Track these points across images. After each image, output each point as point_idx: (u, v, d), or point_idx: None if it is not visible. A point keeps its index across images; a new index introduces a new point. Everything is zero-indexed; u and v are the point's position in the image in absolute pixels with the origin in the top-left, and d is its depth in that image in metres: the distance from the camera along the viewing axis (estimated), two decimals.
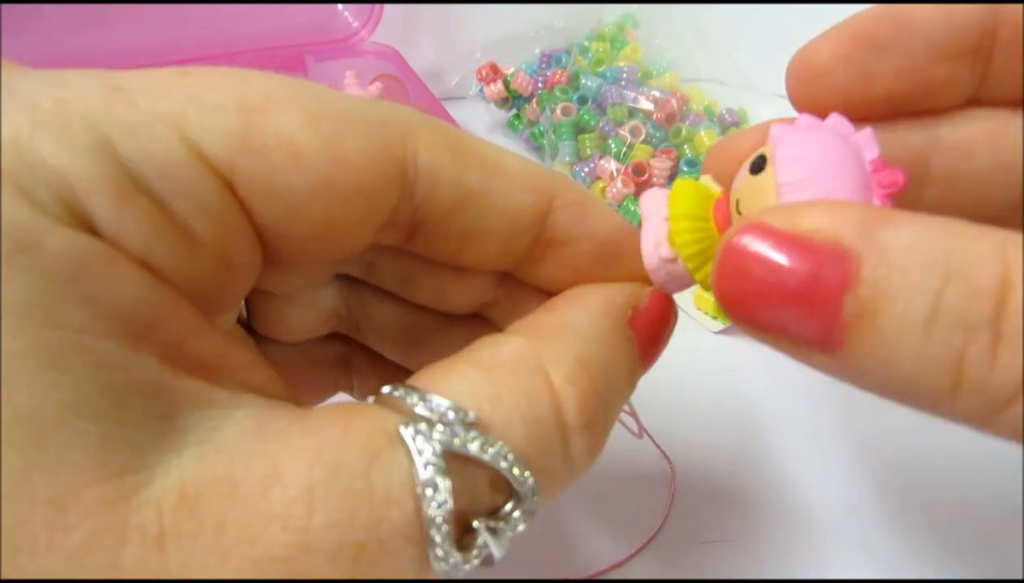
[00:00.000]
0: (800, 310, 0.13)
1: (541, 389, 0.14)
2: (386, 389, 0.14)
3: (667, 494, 0.28)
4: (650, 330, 0.17)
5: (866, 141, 0.15)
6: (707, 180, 0.18)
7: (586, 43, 0.49)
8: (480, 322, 0.20)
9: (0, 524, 0.10)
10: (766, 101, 0.49)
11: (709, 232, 0.16)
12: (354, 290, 0.20)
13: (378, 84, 0.44)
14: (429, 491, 0.12)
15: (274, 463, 0.12)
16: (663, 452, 0.29)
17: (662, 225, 0.16)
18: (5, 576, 0.10)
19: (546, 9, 0.50)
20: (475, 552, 0.13)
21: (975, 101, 0.18)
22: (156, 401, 0.12)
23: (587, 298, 0.17)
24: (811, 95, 0.17)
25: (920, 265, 0.12)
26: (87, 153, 0.12)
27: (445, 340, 0.20)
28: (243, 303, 0.19)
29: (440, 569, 0.13)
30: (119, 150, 0.12)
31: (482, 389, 0.14)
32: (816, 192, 0.14)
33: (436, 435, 0.13)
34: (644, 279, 0.17)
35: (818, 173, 0.14)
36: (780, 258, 0.13)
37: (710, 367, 0.34)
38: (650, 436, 0.29)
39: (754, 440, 0.31)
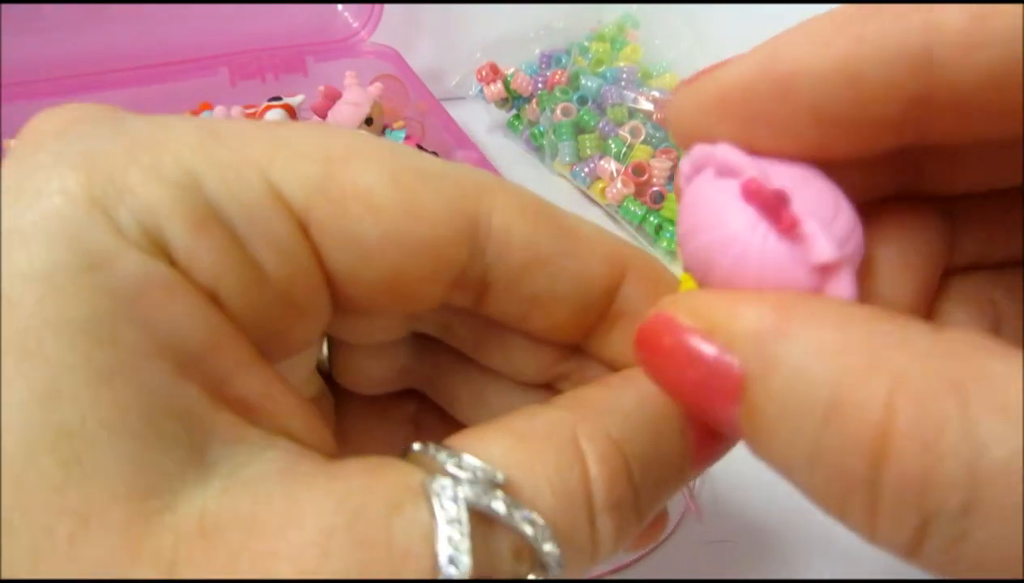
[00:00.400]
0: (698, 406, 0.13)
1: (573, 462, 0.14)
2: (417, 446, 0.14)
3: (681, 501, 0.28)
4: (708, 429, 0.16)
5: (743, 166, 0.13)
6: None
7: (586, 43, 0.49)
8: (551, 394, 0.20)
9: (24, 528, 0.10)
10: None
11: None
12: (429, 349, 0.20)
13: (378, 84, 0.44)
14: (449, 550, 0.12)
15: (296, 505, 0.12)
16: None
17: None
18: (22, 578, 0.10)
19: (546, 9, 0.50)
20: None
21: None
22: (191, 430, 0.12)
23: (642, 379, 0.16)
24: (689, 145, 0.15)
25: (800, 400, 0.11)
26: (173, 186, 0.13)
27: (513, 408, 0.20)
28: (326, 353, 0.20)
29: None
30: (204, 185, 0.13)
31: (514, 455, 0.14)
32: (699, 242, 0.14)
33: (462, 492, 0.12)
34: None
35: (700, 222, 0.14)
36: (679, 354, 0.13)
37: None
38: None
39: None
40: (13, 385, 0.11)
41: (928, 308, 0.16)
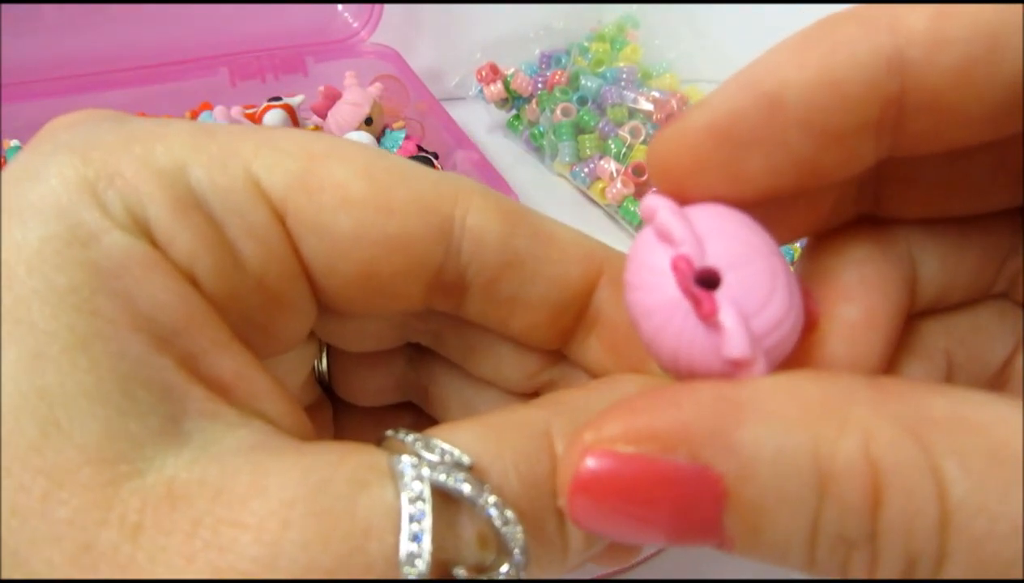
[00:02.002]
0: (676, 529, 0.12)
1: (542, 453, 0.14)
2: (390, 432, 0.14)
3: None
4: None
5: (677, 235, 0.13)
6: None
7: (586, 43, 0.49)
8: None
9: (4, 486, 0.11)
10: None
11: None
12: (424, 361, 0.21)
13: (378, 84, 0.44)
14: (412, 526, 0.12)
15: (261, 476, 0.12)
16: None
17: None
18: None
19: (546, 9, 0.50)
20: None
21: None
22: (165, 401, 0.12)
23: (618, 382, 0.16)
24: (673, 192, 0.14)
25: (791, 480, 0.11)
26: (160, 173, 0.14)
27: None
28: (326, 366, 0.20)
29: None
30: (189, 173, 0.14)
31: (483, 443, 0.14)
32: (631, 298, 0.13)
33: (428, 472, 0.13)
34: None
35: (633, 279, 0.13)
36: (640, 487, 0.12)
37: None
38: None
39: None
40: (4, 350, 0.11)
41: (888, 364, 0.16)
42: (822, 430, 0.11)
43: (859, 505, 0.11)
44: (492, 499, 0.13)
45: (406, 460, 0.13)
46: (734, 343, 0.12)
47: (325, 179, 0.15)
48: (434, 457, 0.13)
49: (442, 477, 0.13)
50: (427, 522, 0.12)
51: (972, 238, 0.16)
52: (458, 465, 0.13)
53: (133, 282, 0.13)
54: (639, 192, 0.41)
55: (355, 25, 0.50)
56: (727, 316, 0.12)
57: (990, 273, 0.16)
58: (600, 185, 0.42)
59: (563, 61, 0.48)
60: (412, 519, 0.12)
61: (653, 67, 0.48)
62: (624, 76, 0.45)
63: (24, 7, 0.43)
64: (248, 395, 0.14)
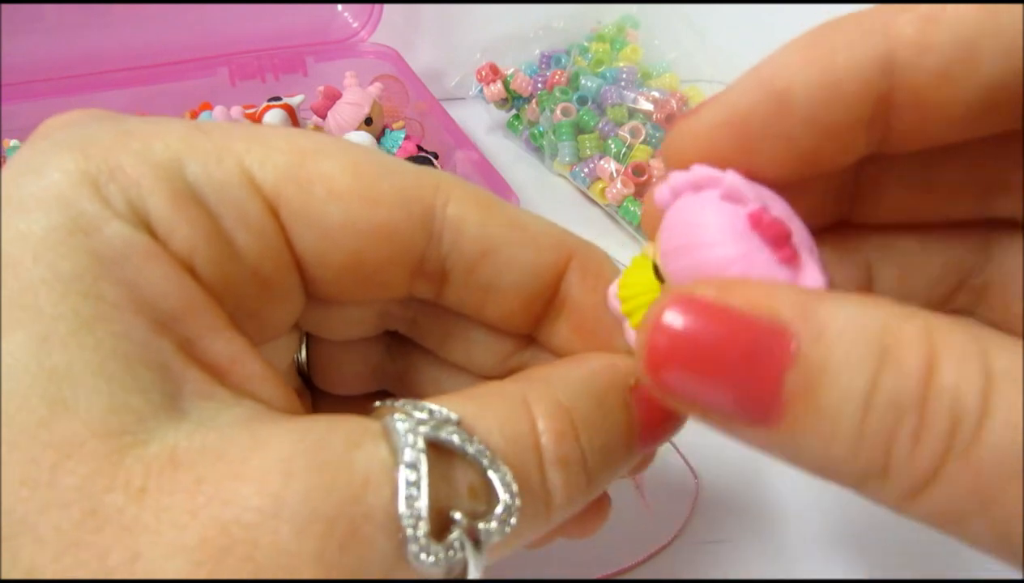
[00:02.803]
0: (738, 387, 0.12)
1: (521, 415, 0.15)
2: (377, 403, 0.15)
3: (686, 503, 0.28)
4: (654, 403, 0.16)
5: (748, 195, 0.14)
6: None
7: (586, 44, 0.49)
8: None
9: (13, 458, 0.11)
10: None
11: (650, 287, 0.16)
12: (400, 349, 0.21)
13: (378, 84, 0.44)
14: (410, 474, 0.13)
15: (259, 439, 0.12)
16: (691, 467, 0.29)
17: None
18: (7, 503, 0.11)
19: (546, 9, 0.50)
20: (452, 553, 0.13)
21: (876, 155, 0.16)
22: (165, 380, 0.13)
23: (588, 359, 0.18)
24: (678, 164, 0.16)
25: (857, 345, 0.12)
26: (158, 167, 0.14)
27: None
28: (304, 355, 0.21)
29: (418, 564, 0.12)
30: (186, 168, 0.15)
31: (466, 407, 0.15)
32: (697, 258, 0.14)
33: (421, 427, 0.13)
34: None
35: (700, 241, 0.14)
36: (716, 333, 0.12)
37: None
38: (679, 451, 0.29)
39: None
40: (13, 333, 0.12)
41: None
42: (891, 312, 0.12)
43: (916, 371, 0.12)
44: (481, 448, 0.14)
45: (398, 417, 0.13)
46: (814, 276, 0.14)
47: (315, 173, 0.16)
48: (423, 416, 0.14)
49: (433, 430, 0.13)
50: (423, 469, 0.13)
51: (933, 253, 0.17)
52: (447, 420, 0.14)
53: (134, 270, 0.13)
54: (639, 192, 0.41)
55: (355, 25, 0.50)
56: (804, 255, 0.14)
57: (948, 288, 0.18)
58: (600, 185, 0.42)
59: (563, 61, 0.48)
60: (408, 466, 0.13)
61: (653, 67, 0.48)
62: (624, 76, 0.45)
63: (24, 7, 0.43)
64: (243, 378, 0.14)
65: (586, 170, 0.43)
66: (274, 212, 0.16)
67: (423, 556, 0.12)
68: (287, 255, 0.16)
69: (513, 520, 0.14)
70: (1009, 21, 0.13)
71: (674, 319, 0.13)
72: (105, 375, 0.12)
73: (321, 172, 0.16)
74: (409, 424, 0.13)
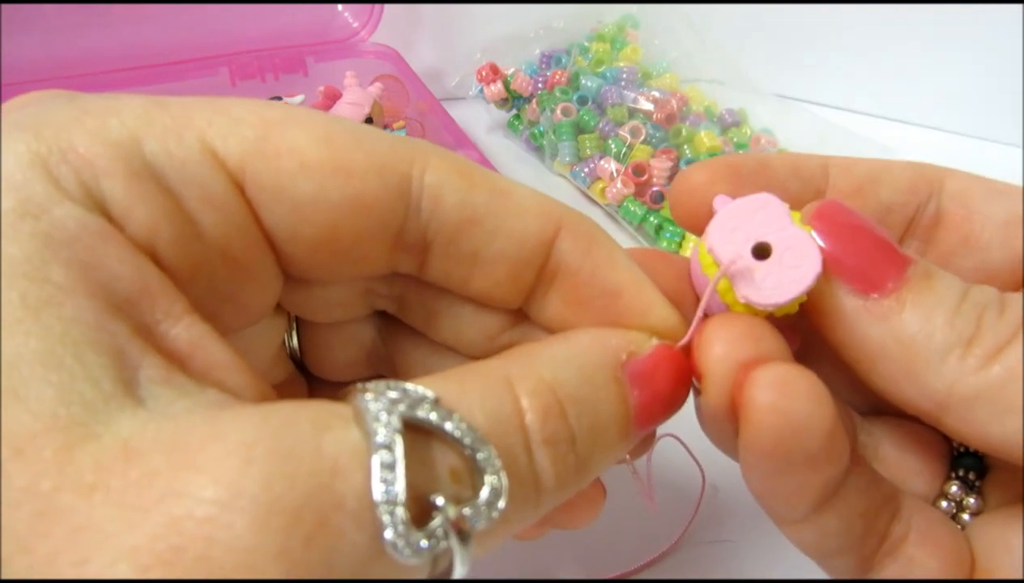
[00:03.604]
0: (873, 259, 0.17)
1: (504, 394, 0.14)
2: (358, 385, 0.14)
3: (692, 502, 0.28)
4: (650, 381, 0.16)
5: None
6: None
7: (586, 43, 0.49)
8: None
9: None
10: (766, 101, 0.49)
11: None
12: (390, 330, 0.21)
13: (378, 84, 0.44)
14: (385, 456, 0.12)
15: (218, 426, 0.12)
16: (699, 464, 0.29)
17: (806, 231, 0.17)
18: None
19: (546, 9, 0.50)
20: (434, 542, 0.12)
21: None
22: (119, 366, 0.12)
23: (577, 334, 0.17)
24: (689, 206, 0.19)
25: (953, 277, 0.17)
26: (113, 145, 0.14)
27: None
28: (296, 343, 0.21)
29: (397, 555, 0.12)
30: (143, 145, 0.14)
31: (446, 385, 0.14)
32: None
33: (395, 406, 0.12)
34: (653, 331, 0.17)
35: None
36: (865, 223, 0.17)
37: None
38: (686, 447, 0.29)
39: None
40: None
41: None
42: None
43: (995, 292, 0.17)
44: (463, 425, 0.13)
45: (370, 397, 0.12)
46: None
47: (282, 145, 0.15)
48: (397, 395, 0.13)
49: (408, 409, 0.12)
50: (399, 450, 0.12)
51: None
52: (423, 398, 0.13)
53: (86, 252, 0.13)
54: (639, 192, 0.41)
55: (355, 25, 0.50)
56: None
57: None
58: (600, 185, 0.42)
59: (563, 61, 0.48)
60: (382, 448, 0.12)
61: (653, 67, 0.48)
62: (624, 76, 0.45)
63: (24, 7, 0.43)
64: (206, 366, 0.14)
65: (586, 170, 0.43)
66: (240, 188, 0.15)
67: (402, 545, 0.11)
68: (257, 233, 0.15)
69: (501, 503, 0.13)
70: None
71: (836, 206, 0.17)
72: (54, 363, 0.11)
73: (289, 144, 0.15)
74: (382, 403, 0.12)
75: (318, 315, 0.19)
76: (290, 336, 0.20)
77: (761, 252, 0.17)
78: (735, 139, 0.45)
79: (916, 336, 0.16)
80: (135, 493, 0.11)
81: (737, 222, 0.17)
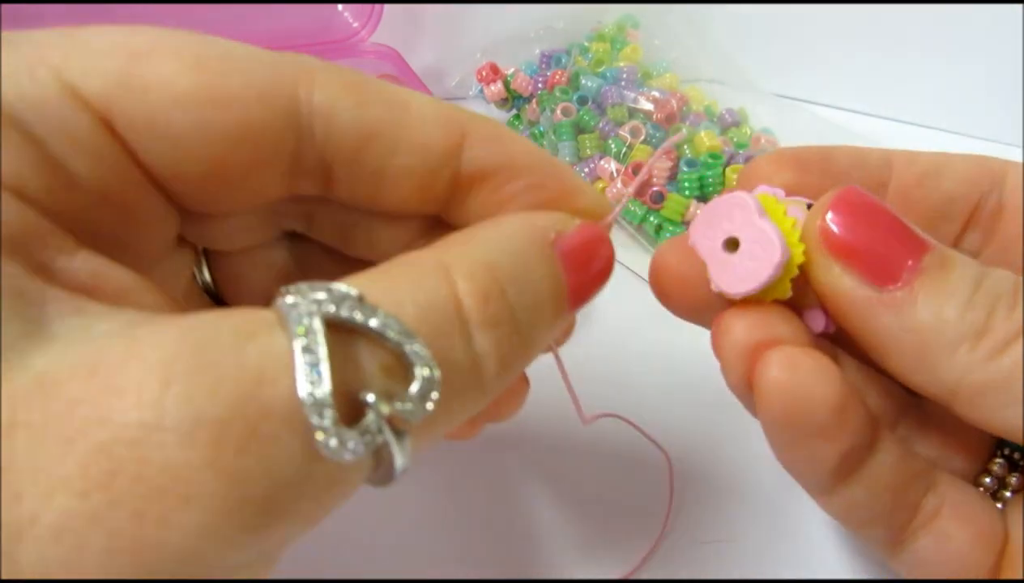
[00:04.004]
0: (886, 251, 0.17)
1: (438, 282, 0.14)
2: (282, 288, 0.13)
3: (666, 493, 0.28)
4: (578, 257, 0.17)
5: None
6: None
7: (586, 43, 0.49)
8: None
9: None
10: (766, 101, 0.49)
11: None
12: (303, 250, 0.20)
13: None
14: (308, 358, 0.11)
15: (137, 343, 0.11)
16: (658, 445, 0.29)
17: (779, 229, 0.18)
18: None
19: (546, 9, 0.50)
20: (368, 438, 0.12)
21: None
22: (21, 305, 0.11)
23: (504, 218, 0.17)
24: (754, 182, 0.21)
25: (969, 261, 0.17)
26: None
27: None
28: (208, 276, 0.20)
29: (330, 453, 0.12)
30: None
31: (376, 283, 0.13)
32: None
33: (317, 306, 0.12)
34: (573, 210, 0.18)
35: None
36: (880, 211, 0.18)
37: (708, 365, 0.34)
38: (640, 429, 0.29)
39: (756, 437, 0.31)
40: None
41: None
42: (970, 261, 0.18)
43: (1010, 278, 0.17)
44: (387, 320, 0.12)
45: (290, 299, 0.12)
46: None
47: (150, 77, 0.14)
48: (321, 296, 0.12)
49: (331, 308, 0.12)
50: (322, 351, 0.12)
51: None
52: (346, 296, 0.13)
53: None
54: (639, 192, 0.41)
55: (355, 25, 0.50)
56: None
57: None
58: (600, 185, 0.42)
59: (563, 61, 0.48)
60: (305, 351, 0.11)
61: (653, 67, 0.48)
62: (624, 76, 0.45)
63: (24, 7, 0.43)
64: (115, 292, 0.13)
65: (586, 170, 0.43)
66: (109, 127, 0.14)
67: (334, 444, 0.11)
68: (135, 173, 0.14)
69: (435, 394, 0.13)
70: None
71: (854, 190, 0.18)
72: None
73: (158, 75, 0.14)
74: (303, 307, 0.12)
75: (224, 244, 0.19)
76: (200, 269, 0.19)
77: (735, 246, 0.18)
78: (735, 139, 0.45)
79: (928, 327, 0.17)
80: (58, 425, 0.10)
81: (715, 219, 0.19)
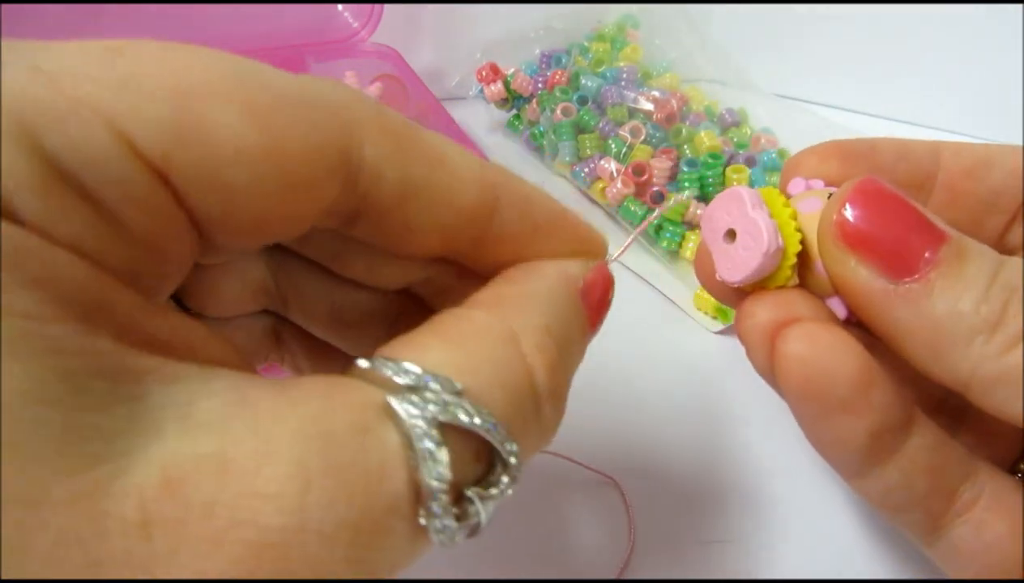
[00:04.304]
0: (905, 242, 0.17)
1: (513, 358, 0.15)
2: (363, 363, 0.14)
3: (626, 513, 0.28)
4: (598, 299, 0.18)
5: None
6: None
7: (586, 43, 0.49)
8: (407, 298, 0.20)
9: None
10: (766, 101, 0.49)
11: (804, 236, 0.20)
12: (283, 263, 0.19)
13: (378, 84, 0.44)
14: (428, 463, 0.12)
15: (264, 439, 0.11)
16: (603, 474, 0.29)
17: (771, 220, 0.19)
18: None
19: (546, 9, 0.50)
20: (468, 522, 0.13)
21: None
22: (120, 383, 0.11)
23: (543, 270, 0.18)
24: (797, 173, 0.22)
25: (985, 250, 0.18)
26: (10, 144, 0.11)
27: (372, 316, 0.20)
28: None
29: (439, 540, 0.13)
30: (44, 141, 0.11)
31: (458, 360, 0.14)
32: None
33: (428, 407, 0.13)
34: (582, 253, 0.19)
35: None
36: (897, 203, 0.18)
37: (710, 366, 0.34)
38: (578, 462, 0.29)
39: (756, 438, 0.31)
40: None
41: None
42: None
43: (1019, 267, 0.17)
44: (486, 419, 0.14)
45: (403, 398, 0.13)
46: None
47: (207, 127, 0.13)
48: (432, 396, 0.13)
49: (441, 410, 0.13)
50: (441, 454, 0.13)
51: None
52: (450, 392, 0.13)
53: (37, 268, 0.11)
54: (639, 192, 0.41)
55: (355, 25, 0.50)
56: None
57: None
58: (600, 185, 0.42)
59: (563, 61, 0.48)
60: (427, 455, 0.12)
61: (653, 67, 0.48)
62: (624, 76, 0.45)
63: (24, 7, 0.43)
64: (193, 348, 0.13)
65: (586, 170, 0.43)
66: (164, 178, 0.13)
67: (446, 533, 0.13)
68: (183, 222, 0.14)
69: (518, 475, 0.14)
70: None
71: (874, 180, 0.18)
72: (50, 401, 0.10)
73: (214, 126, 0.13)
74: (417, 408, 0.13)
75: (208, 260, 0.18)
76: None
77: (734, 237, 0.19)
78: (735, 139, 0.45)
79: (943, 320, 0.17)
80: (197, 526, 0.10)
81: (717, 213, 0.20)
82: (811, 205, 0.20)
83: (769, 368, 0.19)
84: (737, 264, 0.19)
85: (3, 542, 0.09)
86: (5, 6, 0.42)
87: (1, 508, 0.09)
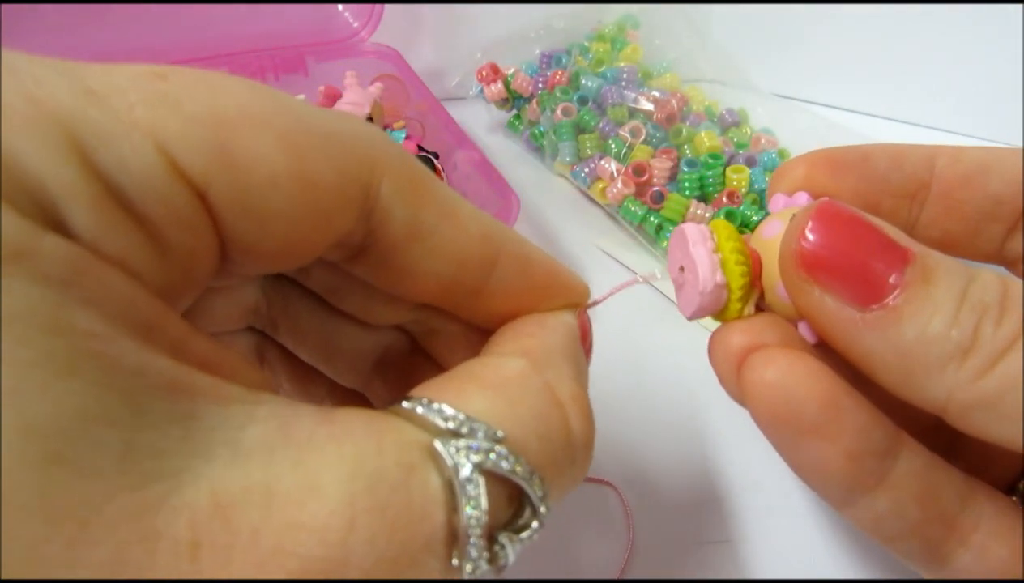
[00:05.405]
0: (866, 272, 0.16)
1: (552, 408, 0.15)
2: (406, 404, 0.14)
3: (626, 524, 0.28)
4: (588, 344, 0.20)
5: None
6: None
7: (586, 43, 0.49)
8: (394, 333, 0.21)
9: (14, 546, 0.09)
10: (766, 101, 0.49)
11: (750, 269, 0.19)
12: (278, 287, 0.20)
13: (378, 84, 0.43)
14: (469, 508, 0.13)
15: (311, 474, 0.12)
16: (600, 480, 0.29)
17: (714, 255, 0.19)
18: None
19: (546, 9, 0.50)
20: (496, 564, 0.14)
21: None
22: (177, 402, 0.11)
23: (552, 322, 0.18)
24: (783, 188, 0.21)
25: (953, 264, 0.17)
26: (64, 161, 0.11)
27: (360, 347, 0.21)
28: None
29: (469, 575, 0.13)
30: (95, 158, 0.12)
31: (499, 407, 0.15)
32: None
33: (472, 453, 0.13)
34: (571, 305, 0.20)
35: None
36: (858, 227, 0.17)
37: (710, 367, 0.34)
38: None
39: (753, 437, 0.31)
40: None
41: None
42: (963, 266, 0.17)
43: (996, 285, 0.16)
44: (526, 468, 0.14)
45: (449, 443, 0.13)
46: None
47: (247, 153, 0.13)
48: (476, 443, 0.14)
49: (484, 457, 0.14)
50: (483, 502, 0.13)
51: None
52: (493, 439, 0.14)
53: (94, 286, 0.11)
54: (639, 192, 0.41)
55: (355, 25, 0.50)
56: None
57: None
58: (600, 185, 0.42)
59: (563, 61, 0.48)
60: (471, 503, 0.13)
61: (653, 67, 0.48)
62: (624, 76, 0.45)
63: (24, 7, 0.43)
64: (234, 370, 0.13)
65: (586, 170, 0.43)
66: (203, 199, 0.13)
67: (472, 569, 0.13)
68: (215, 244, 0.14)
69: (544, 521, 0.15)
70: None
71: (833, 205, 0.17)
72: (108, 419, 0.10)
73: (253, 152, 0.13)
74: (461, 451, 0.13)
75: (215, 282, 0.18)
76: None
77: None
78: (735, 139, 0.45)
79: (913, 347, 0.16)
80: (244, 553, 0.11)
81: (673, 248, 0.20)
82: (774, 228, 0.19)
83: (740, 395, 0.19)
84: (687, 300, 0.20)
85: (51, 560, 0.09)
86: (5, 6, 0.42)
87: (53, 524, 0.09)
